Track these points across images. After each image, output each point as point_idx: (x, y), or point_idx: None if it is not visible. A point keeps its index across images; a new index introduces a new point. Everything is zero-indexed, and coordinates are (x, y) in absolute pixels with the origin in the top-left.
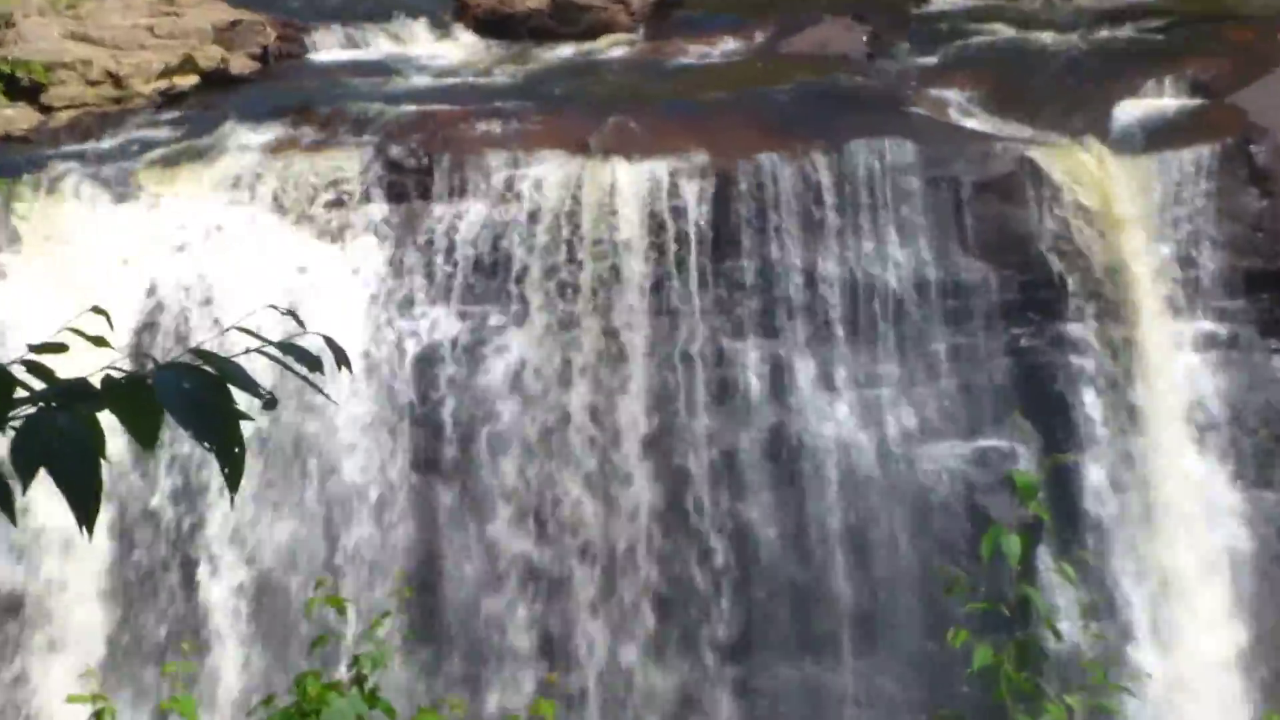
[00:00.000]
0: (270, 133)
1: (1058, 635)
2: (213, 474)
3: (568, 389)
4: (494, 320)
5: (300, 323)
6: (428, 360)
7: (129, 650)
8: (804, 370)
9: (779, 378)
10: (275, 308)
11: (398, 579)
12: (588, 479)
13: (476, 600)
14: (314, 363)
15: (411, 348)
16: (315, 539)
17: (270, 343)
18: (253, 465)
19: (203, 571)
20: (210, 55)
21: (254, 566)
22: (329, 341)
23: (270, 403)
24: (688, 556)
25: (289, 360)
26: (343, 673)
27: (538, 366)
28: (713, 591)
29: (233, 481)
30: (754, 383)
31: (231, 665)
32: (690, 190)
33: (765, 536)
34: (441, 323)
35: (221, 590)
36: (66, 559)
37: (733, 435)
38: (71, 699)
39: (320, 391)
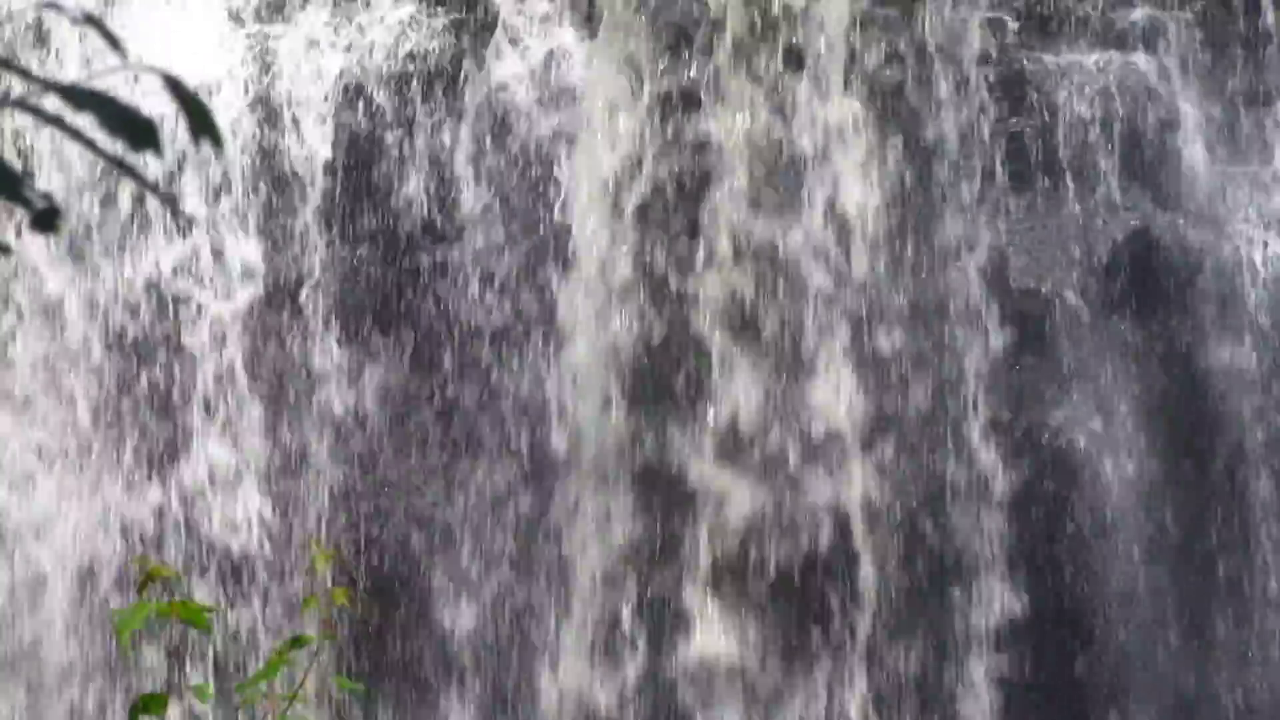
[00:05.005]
0: None
1: None
2: None
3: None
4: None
5: (112, 41)
6: (359, 115)
7: None
8: (1191, 115)
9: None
10: (56, 6)
11: (317, 563)
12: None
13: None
14: (141, 131)
15: (324, 84)
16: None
17: (50, 86)
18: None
19: None
20: None
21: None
22: (172, 85)
23: (46, 216)
24: (960, 526)
25: (83, 126)
26: None
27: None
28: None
29: None
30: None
31: None
32: None
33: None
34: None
35: None
36: None
37: (1056, 250)
38: None
39: (152, 191)
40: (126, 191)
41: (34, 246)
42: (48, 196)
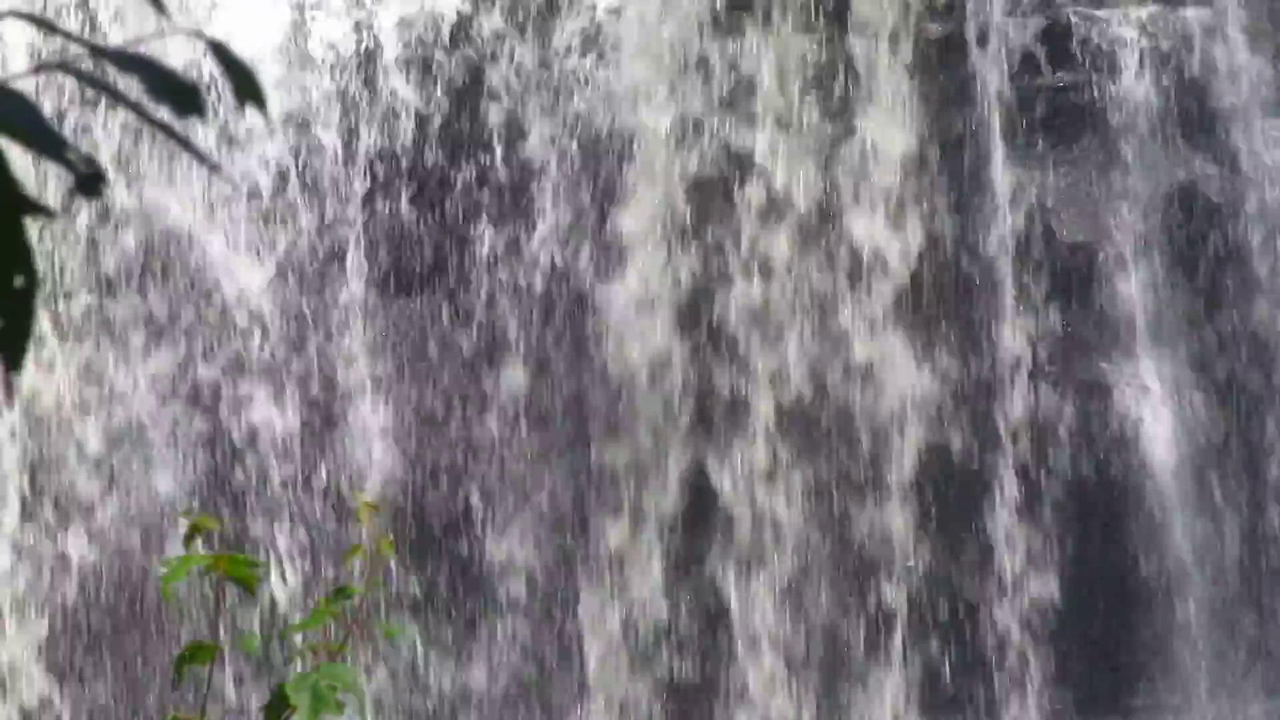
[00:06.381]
0: None
1: None
2: None
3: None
4: None
5: (157, 5)
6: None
7: None
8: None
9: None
10: None
11: (362, 513)
12: None
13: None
14: (185, 96)
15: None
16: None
17: (94, 50)
18: None
19: None
20: None
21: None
22: (217, 50)
23: (90, 180)
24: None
25: (130, 91)
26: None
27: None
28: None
29: (12, 350)
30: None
31: None
32: None
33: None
34: None
35: None
36: None
37: None
38: None
39: (198, 157)
40: None
41: None
42: (91, 160)
